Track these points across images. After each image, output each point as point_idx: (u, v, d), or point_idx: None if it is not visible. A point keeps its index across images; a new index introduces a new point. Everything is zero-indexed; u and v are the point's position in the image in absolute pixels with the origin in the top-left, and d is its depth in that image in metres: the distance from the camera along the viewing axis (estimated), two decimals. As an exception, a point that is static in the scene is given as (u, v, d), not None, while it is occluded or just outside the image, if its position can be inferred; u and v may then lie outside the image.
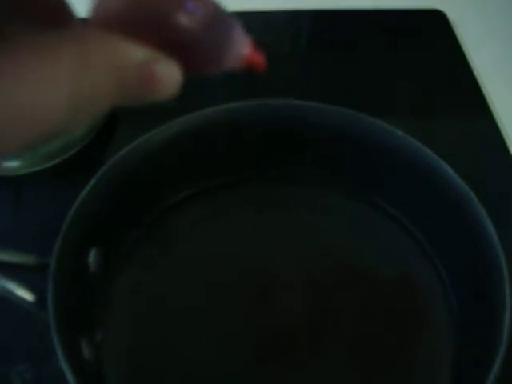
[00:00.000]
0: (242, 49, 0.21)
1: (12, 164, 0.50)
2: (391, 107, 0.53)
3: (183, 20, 0.18)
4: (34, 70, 0.16)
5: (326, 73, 0.57)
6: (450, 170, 0.35)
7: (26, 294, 0.32)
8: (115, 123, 0.50)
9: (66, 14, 0.20)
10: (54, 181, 0.50)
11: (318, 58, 0.59)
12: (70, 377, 0.29)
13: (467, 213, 0.33)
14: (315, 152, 0.40)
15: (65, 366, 0.29)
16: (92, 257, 0.36)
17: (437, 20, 0.61)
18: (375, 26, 0.61)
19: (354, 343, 0.35)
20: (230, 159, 0.41)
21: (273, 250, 0.39)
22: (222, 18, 0.20)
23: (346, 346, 0.35)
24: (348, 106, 0.39)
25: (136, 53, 0.18)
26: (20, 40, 0.16)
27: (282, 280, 0.38)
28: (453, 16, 0.61)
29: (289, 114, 0.39)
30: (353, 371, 0.34)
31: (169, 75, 0.19)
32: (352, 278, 0.38)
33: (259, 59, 0.21)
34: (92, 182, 0.35)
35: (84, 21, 0.19)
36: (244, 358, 0.35)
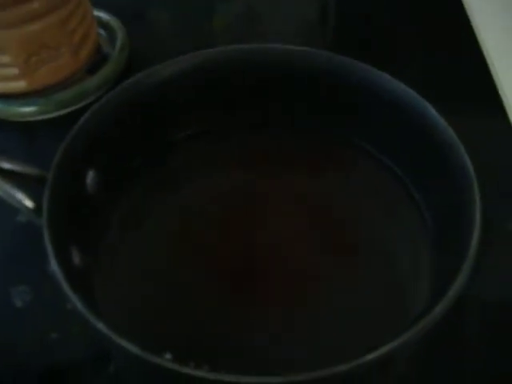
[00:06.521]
0: None
1: (27, 109, 0.53)
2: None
3: None
4: None
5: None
6: (434, 111, 0.36)
7: (26, 201, 0.34)
8: (129, 75, 0.52)
9: None
10: (67, 128, 0.52)
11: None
12: (60, 276, 0.31)
13: (448, 152, 0.35)
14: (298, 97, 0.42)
15: (55, 266, 0.31)
16: (90, 178, 0.38)
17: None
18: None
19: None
20: (228, 103, 0.43)
21: (259, 196, 0.41)
22: None
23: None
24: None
25: None
26: None
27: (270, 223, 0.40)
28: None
29: (277, 58, 0.41)
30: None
31: None
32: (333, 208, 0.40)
33: None
34: (95, 106, 0.37)
35: None
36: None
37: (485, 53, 0.59)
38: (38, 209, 0.34)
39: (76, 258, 0.34)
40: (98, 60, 0.57)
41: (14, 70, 0.51)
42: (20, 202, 0.34)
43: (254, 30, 0.65)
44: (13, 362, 0.40)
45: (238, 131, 0.44)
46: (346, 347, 0.30)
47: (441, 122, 0.36)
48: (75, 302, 0.29)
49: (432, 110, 0.36)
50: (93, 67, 0.56)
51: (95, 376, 0.39)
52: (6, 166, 0.35)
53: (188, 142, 0.43)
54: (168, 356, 0.29)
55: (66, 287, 0.30)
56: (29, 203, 0.34)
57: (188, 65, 0.41)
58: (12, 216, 0.45)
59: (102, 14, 0.60)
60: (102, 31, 0.60)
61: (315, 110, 0.43)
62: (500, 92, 0.55)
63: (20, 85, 0.52)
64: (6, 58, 0.50)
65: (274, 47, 0.41)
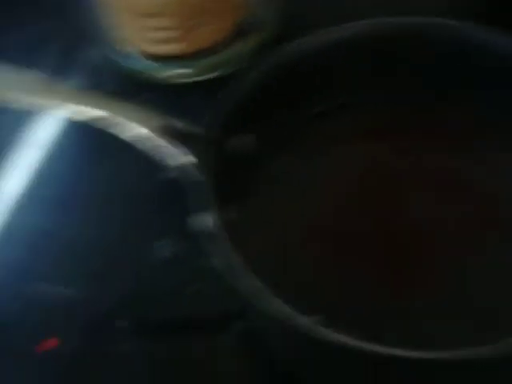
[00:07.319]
0: None
1: (183, 71, 0.54)
2: None
3: None
4: None
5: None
6: None
7: (183, 156, 0.36)
8: (282, 42, 0.52)
9: None
10: (217, 90, 0.53)
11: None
12: (213, 231, 0.32)
13: None
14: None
15: (209, 221, 0.33)
16: (241, 139, 0.39)
17: None
18: None
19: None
20: (380, 77, 0.42)
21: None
22: None
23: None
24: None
25: None
26: None
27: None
28: None
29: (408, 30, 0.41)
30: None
31: None
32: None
33: None
34: (250, 70, 0.39)
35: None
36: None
37: None
38: (193, 165, 0.35)
39: (226, 214, 0.35)
40: (251, 25, 0.58)
41: (173, 33, 0.53)
42: (175, 158, 0.36)
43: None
44: (151, 313, 0.42)
45: (386, 104, 0.43)
46: (488, 329, 0.29)
47: None
48: (222, 258, 0.30)
49: None
50: (246, 32, 0.57)
51: (225, 332, 0.40)
52: (162, 122, 0.36)
53: (336, 112, 0.43)
54: (312, 319, 0.29)
55: (216, 242, 0.31)
56: (186, 159, 0.36)
57: (346, 35, 0.41)
58: (153, 174, 0.47)
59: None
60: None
61: (468, 86, 0.41)
62: None
63: (177, 47, 0.54)
64: (166, 21, 0.52)
65: (439, 21, 0.41)
